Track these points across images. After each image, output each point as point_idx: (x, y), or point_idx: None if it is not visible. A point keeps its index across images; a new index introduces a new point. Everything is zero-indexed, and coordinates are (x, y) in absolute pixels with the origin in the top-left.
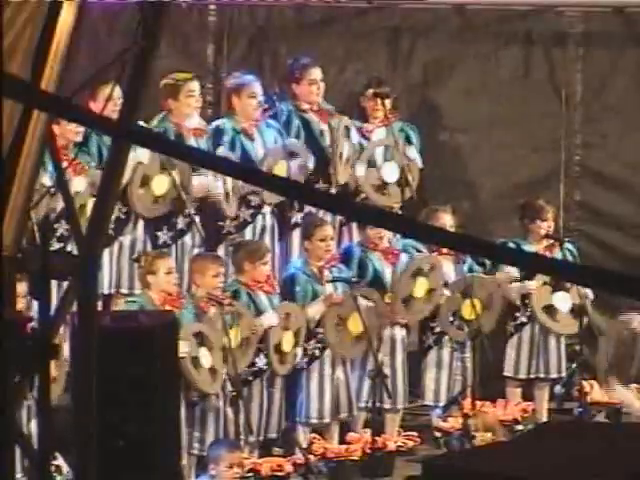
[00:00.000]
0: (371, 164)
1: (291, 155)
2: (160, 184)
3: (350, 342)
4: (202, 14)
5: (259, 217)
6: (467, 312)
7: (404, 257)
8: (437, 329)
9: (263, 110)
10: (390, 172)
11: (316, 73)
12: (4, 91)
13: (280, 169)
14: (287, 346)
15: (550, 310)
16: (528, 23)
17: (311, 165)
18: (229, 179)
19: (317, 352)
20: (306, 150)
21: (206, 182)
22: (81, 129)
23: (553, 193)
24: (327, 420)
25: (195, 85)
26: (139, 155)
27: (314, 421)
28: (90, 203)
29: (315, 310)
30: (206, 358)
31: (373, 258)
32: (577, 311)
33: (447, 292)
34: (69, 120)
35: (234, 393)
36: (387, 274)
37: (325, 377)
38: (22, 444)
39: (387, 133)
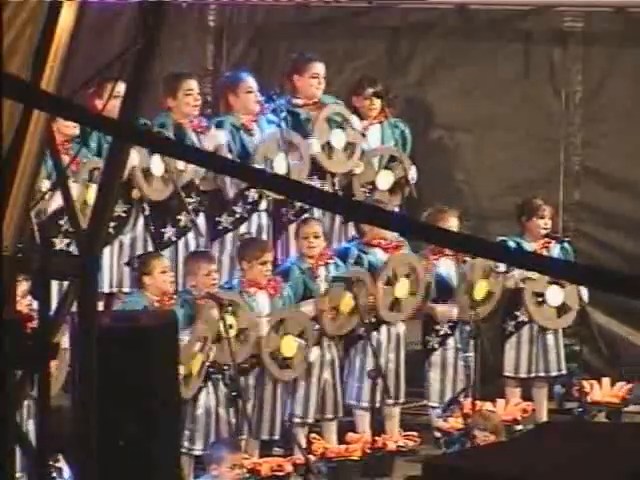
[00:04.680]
0: (368, 168)
1: (290, 147)
2: (158, 166)
3: (343, 321)
4: (202, 14)
5: (255, 215)
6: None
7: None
8: (441, 331)
9: (261, 105)
10: (384, 180)
11: (319, 68)
12: (4, 91)
13: (278, 162)
14: (288, 351)
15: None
16: (528, 23)
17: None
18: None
19: None
20: (305, 143)
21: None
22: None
23: (553, 193)
24: (310, 420)
25: (193, 83)
26: (130, 161)
27: (297, 420)
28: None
29: (306, 309)
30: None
31: (371, 252)
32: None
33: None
34: (69, 120)
35: (234, 393)
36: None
37: (312, 378)
38: (22, 444)
39: (383, 131)
